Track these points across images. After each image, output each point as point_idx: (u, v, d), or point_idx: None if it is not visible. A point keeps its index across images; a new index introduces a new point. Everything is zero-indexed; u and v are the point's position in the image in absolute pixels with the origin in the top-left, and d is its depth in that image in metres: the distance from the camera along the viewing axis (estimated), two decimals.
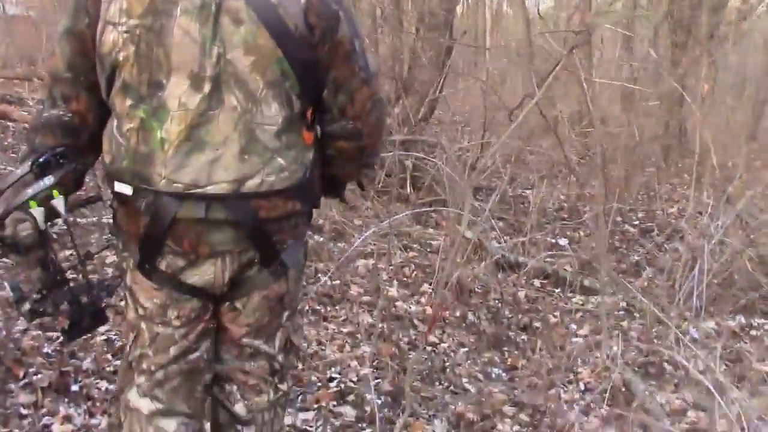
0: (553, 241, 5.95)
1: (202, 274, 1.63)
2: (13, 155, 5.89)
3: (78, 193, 1.74)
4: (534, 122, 6.67)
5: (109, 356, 3.09)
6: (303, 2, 1.51)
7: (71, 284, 1.64)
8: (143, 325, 1.71)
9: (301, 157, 1.62)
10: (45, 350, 3.06)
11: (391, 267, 4.82)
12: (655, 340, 3.97)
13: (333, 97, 1.63)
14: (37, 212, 1.52)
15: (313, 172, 1.66)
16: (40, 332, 3.18)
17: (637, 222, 6.98)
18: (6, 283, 1.74)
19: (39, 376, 2.84)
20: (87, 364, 2.99)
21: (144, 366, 1.74)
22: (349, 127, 1.67)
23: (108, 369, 2.99)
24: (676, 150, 9.90)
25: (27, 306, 1.58)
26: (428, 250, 5.28)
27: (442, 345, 3.88)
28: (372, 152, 1.79)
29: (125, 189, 1.55)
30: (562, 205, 7.05)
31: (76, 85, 1.60)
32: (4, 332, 3.09)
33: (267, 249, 1.64)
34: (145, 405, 1.74)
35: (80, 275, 1.69)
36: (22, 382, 2.81)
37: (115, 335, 3.28)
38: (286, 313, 1.81)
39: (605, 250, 5.07)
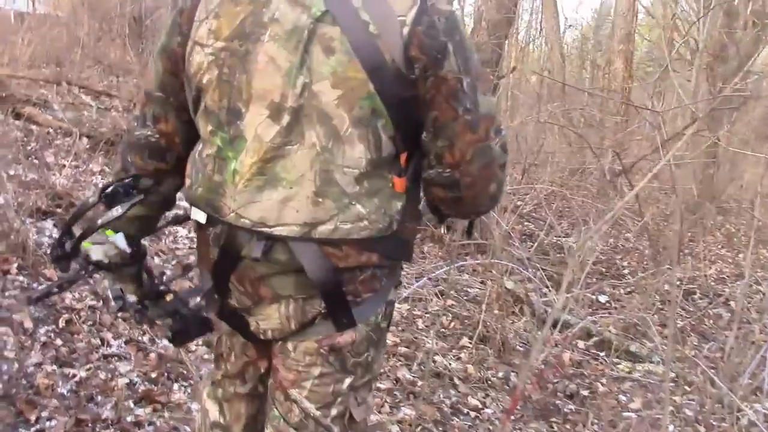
0: (593, 296, 5.64)
1: (268, 318, 1.53)
2: (36, 161, 5.62)
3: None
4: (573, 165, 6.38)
5: (131, 404, 2.79)
6: (407, 32, 1.34)
7: (170, 297, 1.66)
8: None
9: (387, 206, 1.46)
10: (61, 390, 2.76)
11: (427, 314, 4.53)
12: (716, 423, 3.65)
13: (432, 140, 1.45)
14: (116, 238, 1.58)
15: (402, 223, 1.49)
16: (56, 367, 2.90)
17: (678, 282, 6.67)
18: (109, 291, 1.72)
19: (53, 422, 2.55)
20: (106, 412, 2.68)
21: (218, 376, 1.77)
22: (446, 175, 1.47)
23: (129, 419, 2.68)
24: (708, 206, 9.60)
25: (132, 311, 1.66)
26: (465, 298, 4.98)
27: (486, 411, 3.57)
28: (474, 204, 1.54)
29: (200, 216, 1.51)
30: (599, 257, 6.74)
31: (165, 106, 1.56)
32: (16, 365, 2.81)
33: (335, 300, 1.48)
34: (212, 410, 1.78)
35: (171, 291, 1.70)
36: (33, 429, 2.51)
37: (138, 377, 2.99)
38: (348, 379, 1.56)
39: (653, 313, 4.79)
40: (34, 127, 6.72)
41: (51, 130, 6.67)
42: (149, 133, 1.60)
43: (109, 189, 1.53)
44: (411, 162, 1.49)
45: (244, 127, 1.42)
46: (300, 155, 1.39)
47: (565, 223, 6.71)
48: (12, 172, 5.14)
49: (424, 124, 1.43)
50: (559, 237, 6.77)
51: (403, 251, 1.57)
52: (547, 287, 5.41)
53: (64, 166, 5.54)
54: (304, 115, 1.38)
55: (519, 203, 6.03)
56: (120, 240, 1.58)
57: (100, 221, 1.52)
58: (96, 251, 1.59)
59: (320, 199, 1.40)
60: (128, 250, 1.60)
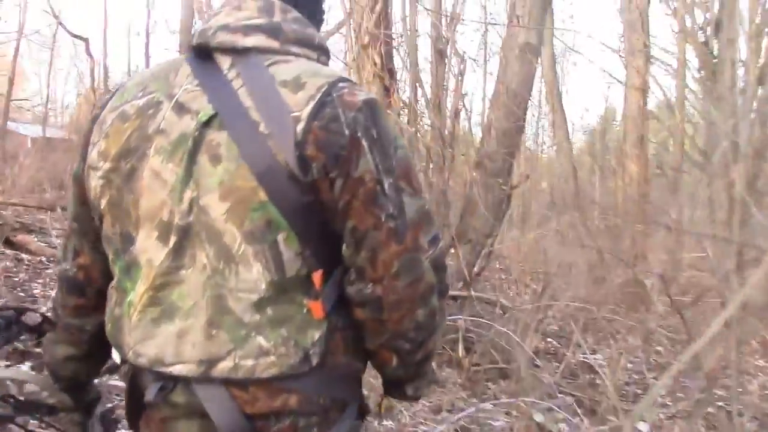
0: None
1: None
2: (22, 293, 5.25)
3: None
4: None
5: None
6: (300, 129, 1.20)
7: None
8: None
9: (298, 336, 1.26)
10: None
11: None
12: None
13: (353, 254, 1.26)
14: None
15: (325, 355, 1.28)
16: None
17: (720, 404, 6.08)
18: None
19: None
20: None
21: None
22: (367, 292, 1.27)
23: None
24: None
25: None
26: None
27: None
28: (398, 331, 1.31)
29: (116, 355, 1.37)
30: (631, 376, 6.18)
31: (81, 237, 1.46)
32: None
33: None
34: None
35: None
36: None
37: None
38: None
39: None
40: (25, 256, 6.43)
41: (43, 259, 6.37)
42: (67, 266, 1.49)
43: None
44: (329, 281, 1.28)
45: (137, 253, 1.29)
46: (193, 280, 1.25)
47: (591, 338, 6.20)
48: None
49: (342, 236, 1.26)
50: (587, 356, 6.28)
51: (340, 390, 1.33)
52: (580, 416, 4.88)
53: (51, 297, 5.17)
54: (194, 233, 1.24)
55: (541, 319, 5.54)
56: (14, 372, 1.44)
57: None
58: None
59: (213, 331, 1.24)
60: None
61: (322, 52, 1.39)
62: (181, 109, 1.27)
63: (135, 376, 1.35)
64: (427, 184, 6.91)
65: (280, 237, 1.23)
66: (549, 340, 6.15)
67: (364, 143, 1.23)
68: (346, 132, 1.22)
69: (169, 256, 1.26)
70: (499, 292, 6.13)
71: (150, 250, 1.28)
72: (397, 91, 7.08)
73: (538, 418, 4.45)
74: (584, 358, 6.22)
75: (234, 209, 1.22)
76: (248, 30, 1.30)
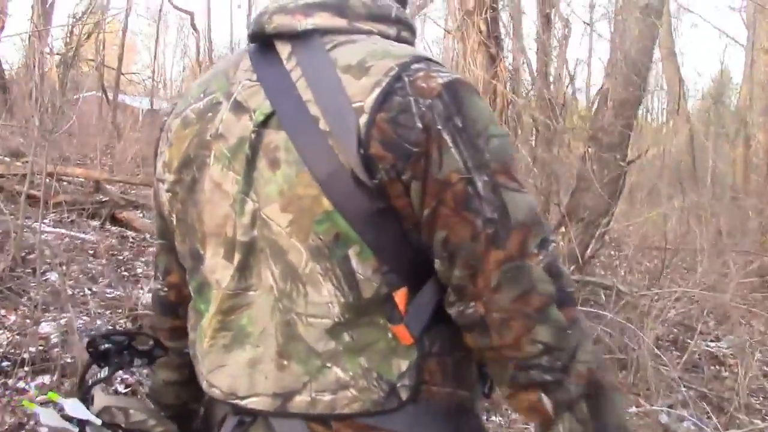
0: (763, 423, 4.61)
1: None
2: (125, 272, 5.26)
3: None
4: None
5: None
6: (364, 122, 1.01)
7: None
8: None
9: (381, 367, 1.08)
10: None
11: None
12: None
13: (447, 269, 1.05)
14: (65, 404, 1.29)
15: (417, 388, 1.09)
16: None
17: None
18: None
19: None
20: None
21: None
22: (469, 312, 1.05)
23: None
24: None
25: None
26: None
27: None
28: (515, 357, 1.05)
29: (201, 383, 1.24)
30: (763, 369, 5.66)
31: (169, 254, 1.33)
32: None
33: None
34: None
35: None
36: None
37: None
38: None
39: None
40: (130, 233, 6.49)
41: (147, 236, 6.40)
42: (158, 286, 1.39)
43: (100, 345, 1.32)
44: (415, 300, 1.08)
45: (206, 273, 1.17)
46: (261, 302, 1.11)
47: (716, 326, 5.72)
48: (95, 289, 4.81)
49: (431, 248, 1.05)
50: (711, 345, 5.81)
51: (444, 426, 1.11)
52: (708, 415, 4.47)
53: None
54: (259, 250, 1.09)
55: (661, 306, 5.11)
56: (71, 407, 1.29)
57: (90, 381, 1.32)
58: (45, 415, 1.32)
59: (285, 361, 1.10)
60: (72, 425, 1.28)
61: (404, 27, 1.19)
62: (238, 108, 1.12)
63: (208, 410, 1.25)
64: (533, 158, 6.54)
65: (352, 252, 1.05)
66: (669, 327, 5.69)
67: (446, 136, 1.02)
68: (419, 124, 1.01)
69: (235, 276, 1.12)
70: (614, 276, 5.71)
71: (218, 269, 1.15)
72: (503, 60, 6.71)
73: (663, 419, 4.09)
74: (708, 347, 5.76)
75: (297, 221, 1.05)
76: (309, 9, 1.12)
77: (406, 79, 1.03)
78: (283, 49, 1.12)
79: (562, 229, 5.86)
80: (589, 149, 5.81)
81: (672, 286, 5.28)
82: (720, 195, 6.92)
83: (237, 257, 1.11)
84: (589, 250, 5.49)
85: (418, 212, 1.04)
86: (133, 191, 7.99)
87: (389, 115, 1.01)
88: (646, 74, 5.72)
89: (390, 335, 1.08)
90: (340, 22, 1.12)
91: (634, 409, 4.42)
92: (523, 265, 1.03)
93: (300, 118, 1.06)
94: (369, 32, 1.12)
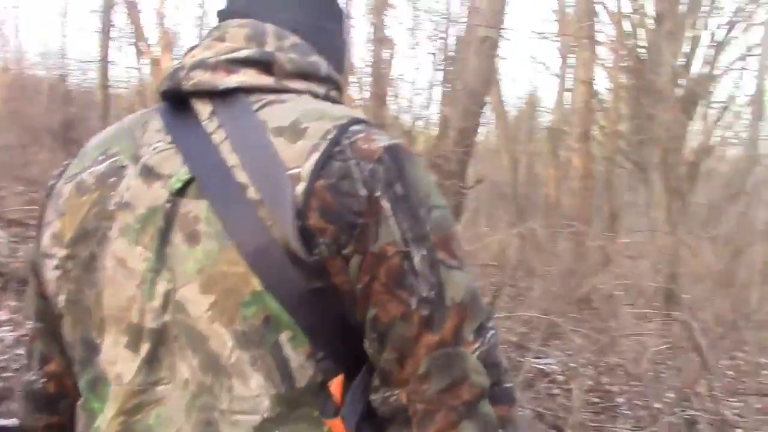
0: None
1: None
2: None
3: None
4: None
5: None
6: (301, 191, 0.91)
7: None
8: None
9: None
10: None
11: None
12: None
13: (376, 351, 0.96)
14: None
15: None
16: None
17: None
18: None
19: None
20: None
21: None
22: (391, 401, 0.95)
23: None
24: None
25: None
26: None
27: None
28: None
29: None
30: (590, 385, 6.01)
31: (48, 338, 1.14)
32: None
33: None
34: None
35: None
36: None
37: None
38: None
39: None
40: None
41: None
42: (34, 377, 1.18)
43: None
44: (352, 389, 0.97)
45: (103, 365, 1.00)
46: (174, 399, 0.96)
47: (550, 347, 6.03)
48: None
49: (363, 328, 0.95)
50: (542, 362, 6.11)
51: None
52: None
53: None
54: (172, 337, 0.96)
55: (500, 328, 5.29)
56: None
57: None
58: None
59: None
60: None
61: (333, 86, 1.10)
62: (149, 174, 1.00)
63: None
64: None
65: (284, 337, 0.94)
66: (504, 348, 5.92)
67: (385, 204, 0.93)
68: (363, 191, 0.92)
69: (142, 368, 0.97)
70: None
71: (119, 361, 0.99)
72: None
73: None
74: (538, 365, 6.05)
75: (220, 304, 0.93)
76: (232, 65, 1.02)
77: (345, 141, 0.95)
78: (203, 108, 1.01)
79: None
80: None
81: (507, 309, 5.49)
82: (552, 221, 7.37)
83: (145, 347, 0.97)
84: None
85: (353, 288, 0.94)
86: None
87: (329, 181, 0.92)
88: (482, 103, 5.93)
89: (325, 429, 0.97)
90: (267, 80, 1.02)
91: None
92: (457, 353, 0.94)
93: (224, 185, 0.94)
94: (298, 91, 1.04)
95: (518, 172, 10.20)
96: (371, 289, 0.93)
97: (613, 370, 5.93)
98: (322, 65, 1.09)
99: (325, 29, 1.14)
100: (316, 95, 1.06)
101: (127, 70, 14.59)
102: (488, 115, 12.59)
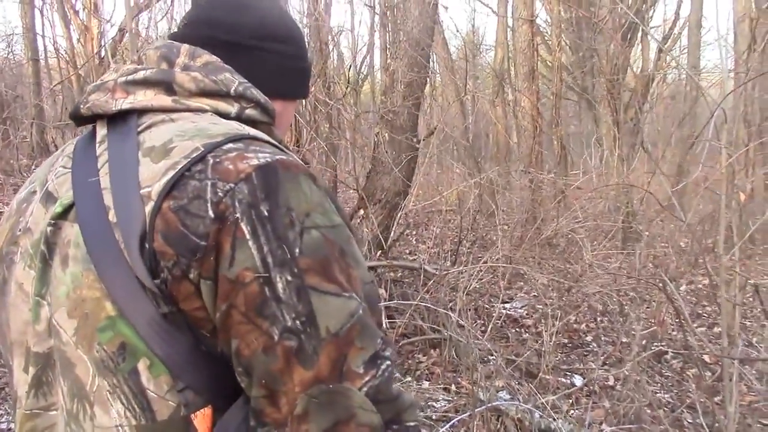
0: (568, 381, 4.96)
1: None
2: None
3: None
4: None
5: None
6: (149, 210, 0.87)
7: None
8: None
9: None
10: None
11: None
12: None
13: (247, 387, 0.89)
14: None
15: None
16: None
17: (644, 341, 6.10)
18: None
19: None
20: None
21: None
22: None
23: None
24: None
25: None
26: (433, 416, 4.17)
27: None
28: None
29: None
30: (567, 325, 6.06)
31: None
32: None
33: None
34: None
35: None
36: None
37: None
38: None
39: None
40: None
41: None
42: None
43: None
44: (221, 421, 0.91)
45: (15, 388, 1.01)
46: (60, 426, 0.95)
47: (516, 293, 6.05)
48: None
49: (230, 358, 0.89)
50: (505, 307, 6.13)
51: None
52: (519, 381, 4.70)
53: None
54: (53, 363, 0.95)
55: (465, 282, 5.27)
56: None
57: None
58: None
59: None
60: None
61: (249, 104, 1.06)
62: (48, 199, 1.00)
63: None
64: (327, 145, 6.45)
65: (141, 365, 0.89)
66: (474, 298, 5.92)
67: (244, 227, 0.86)
68: (211, 213, 0.86)
69: (30, 393, 0.97)
70: (418, 256, 5.82)
71: (20, 384, 0.99)
72: None
73: (482, 395, 4.22)
74: (505, 310, 6.08)
75: (81, 329, 0.90)
76: (130, 86, 1.02)
77: (210, 160, 0.89)
78: (101, 131, 1.01)
79: (361, 212, 5.85)
80: (379, 131, 5.83)
81: (472, 260, 5.47)
82: (507, 165, 7.38)
83: (31, 371, 0.96)
84: (392, 233, 5.51)
85: (212, 317, 0.88)
86: None
87: (179, 203, 0.87)
88: (428, 54, 5.79)
89: None
90: (165, 101, 1.01)
91: (453, 388, 4.55)
92: (338, 389, 0.86)
93: (93, 208, 0.92)
94: (200, 110, 1.01)
95: (468, 118, 10.09)
96: (230, 319, 0.86)
97: (580, 309, 6.00)
98: (234, 83, 1.05)
99: (253, 48, 1.12)
100: (225, 114, 1.02)
101: (56, 39, 13.96)
102: (434, 63, 12.49)
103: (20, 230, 1.02)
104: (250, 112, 1.06)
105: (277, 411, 0.86)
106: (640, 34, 12.19)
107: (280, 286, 0.85)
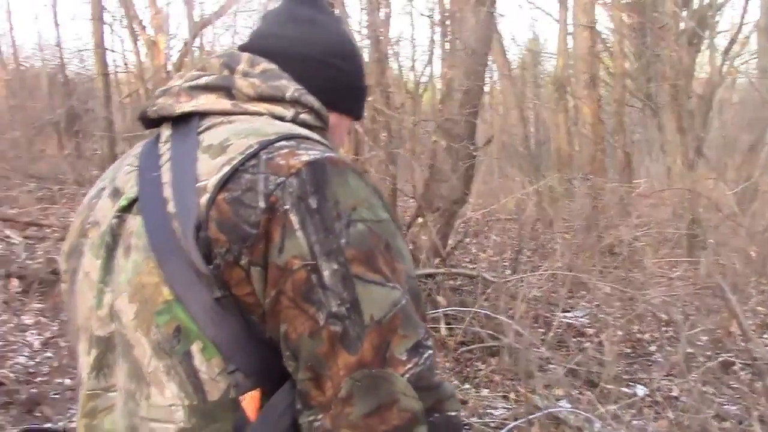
0: (630, 390, 4.87)
1: None
2: None
3: None
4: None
5: None
6: (204, 203, 0.93)
7: None
8: None
9: None
10: None
11: None
12: None
13: (294, 371, 0.93)
14: None
15: None
16: None
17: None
18: None
19: None
20: None
21: None
22: (316, 426, 0.91)
23: None
24: None
25: None
26: (491, 423, 4.15)
27: None
28: None
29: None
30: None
31: None
32: None
33: None
34: None
35: None
36: None
37: None
38: None
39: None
40: None
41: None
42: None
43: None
44: (269, 404, 0.95)
45: (81, 371, 1.08)
46: (119, 406, 1.01)
47: (577, 301, 5.98)
48: None
49: (279, 342, 0.94)
50: (566, 315, 6.06)
51: None
52: (581, 391, 4.64)
53: None
54: (114, 346, 1.02)
55: (524, 288, 5.25)
56: None
57: None
58: None
59: None
60: None
61: (304, 109, 1.13)
62: (115, 194, 1.08)
63: None
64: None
65: (195, 348, 0.95)
66: (532, 306, 5.87)
67: (293, 217, 0.92)
68: (262, 204, 0.92)
69: (91, 374, 1.04)
70: (477, 264, 5.81)
71: (84, 367, 1.07)
72: None
73: (539, 402, 4.19)
74: (566, 319, 6.00)
75: (141, 313, 0.98)
76: (194, 91, 1.10)
77: (263, 156, 0.96)
78: (165, 132, 1.09)
79: (419, 220, 5.88)
80: (436, 140, 5.86)
81: (531, 268, 5.43)
82: (567, 173, 7.29)
83: (93, 353, 1.04)
84: (450, 241, 5.52)
85: (262, 302, 0.93)
86: None
87: (233, 194, 0.93)
88: (485, 62, 5.80)
89: None
90: (224, 104, 1.08)
91: (513, 396, 4.52)
92: (382, 374, 0.90)
93: (154, 201, 1.00)
94: (257, 113, 1.08)
95: (528, 126, 10.03)
96: (279, 304, 0.91)
97: (643, 318, 5.88)
98: (290, 89, 1.12)
99: (315, 61, 1.18)
100: (280, 117, 1.09)
101: (125, 54, 14.46)
102: (492, 72, 12.45)
103: (89, 224, 1.10)
104: (304, 116, 1.12)
105: (322, 394, 0.90)
106: (706, 40, 11.93)
107: (326, 273, 0.90)
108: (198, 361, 0.95)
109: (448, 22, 6.63)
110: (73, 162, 10.58)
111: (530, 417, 3.63)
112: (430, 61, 12.79)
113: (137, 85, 13.05)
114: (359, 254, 0.92)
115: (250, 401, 0.94)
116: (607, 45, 12.18)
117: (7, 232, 6.55)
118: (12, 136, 11.32)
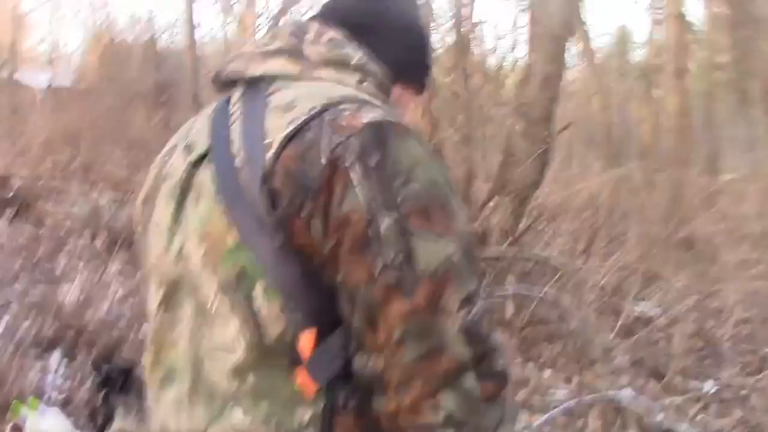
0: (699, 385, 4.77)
1: None
2: (40, 277, 4.95)
3: None
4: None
5: None
6: (269, 157, 1.00)
7: None
8: None
9: (284, 414, 1.01)
10: None
11: None
12: None
13: (349, 315, 0.99)
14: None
15: None
16: None
17: None
18: None
19: None
20: None
21: None
22: (369, 366, 0.97)
23: None
24: None
25: None
26: (553, 406, 4.15)
27: None
28: (405, 426, 0.96)
29: None
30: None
31: None
32: None
33: None
34: None
35: None
36: None
37: None
38: None
39: None
40: (44, 226, 6.14)
41: (64, 228, 6.08)
42: None
43: (104, 373, 1.30)
44: (323, 345, 1.00)
45: (150, 310, 1.18)
46: (183, 339, 1.10)
47: (647, 293, 5.87)
48: (17, 286, 4.53)
49: (336, 289, 0.99)
50: (638, 304, 5.96)
51: None
52: (647, 381, 4.58)
53: (77, 273, 4.89)
54: (183, 284, 1.10)
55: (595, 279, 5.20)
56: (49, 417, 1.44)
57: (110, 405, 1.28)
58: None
59: (195, 400, 1.06)
60: None
61: (368, 76, 1.18)
62: (186, 149, 1.16)
63: None
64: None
65: (258, 288, 1.02)
66: (602, 294, 5.81)
67: (353, 174, 0.97)
68: (323, 160, 0.97)
69: (160, 311, 1.13)
70: (547, 248, 5.78)
71: (152, 305, 1.16)
72: None
73: (603, 389, 4.16)
74: (637, 309, 5.91)
75: (209, 254, 1.05)
76: (265, 56, 1.17)
77: (327, 117, 1.01)
78: (236, 93, 1.16)
79: (492, 203, 5.87)
80: (513, 123, 5.84)
81: (603, 255, 5.37)
82: (646, 164, 7.13)
83: (162, 291, 1.12)
84: (522, 225, 5.51)
85: (321, 251, 0.99)
86: (41, 183, 7.58)
87: (296, 151, 1.00)
88: (565, 48, 5.73)
89: (288, 383, 1.01)
90: (293, 69, 1.15)
91: (576, 380, 4.50)
92: (434, 322, 0.94)
93: (224, 155, 1.07)
94: (323, 78, 1.14)
95: (609, 114, 9.84)
96: (337, 253, 0.97)
97: (717, 314, 5.74)
98: (355, 56, 1.18)
99: (384, 31, 1.24)
100: (346, 84, 1.14)
101: (213, 29, 14.78)
102: (575, 56, 12.22)
103: (163, 176, 1.18)
104: (367, 83, 1.17)
105: (375, 338, 0.96)
106: None
107: (383, 226, 0.95)
108: (260, 301, 1.01)
109: (529, 7, 6.56)
110: (160, 131, 10.93)
111: (591, 397, 3.60)
112: (513, 46, 12.61)
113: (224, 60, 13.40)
114: (415, 209, 0.96)
115: (306, 340, 1.00)
116: (698, 36, 11.79)
117: (94, 194, 6.87)
118: (104, 105, 11.77)
